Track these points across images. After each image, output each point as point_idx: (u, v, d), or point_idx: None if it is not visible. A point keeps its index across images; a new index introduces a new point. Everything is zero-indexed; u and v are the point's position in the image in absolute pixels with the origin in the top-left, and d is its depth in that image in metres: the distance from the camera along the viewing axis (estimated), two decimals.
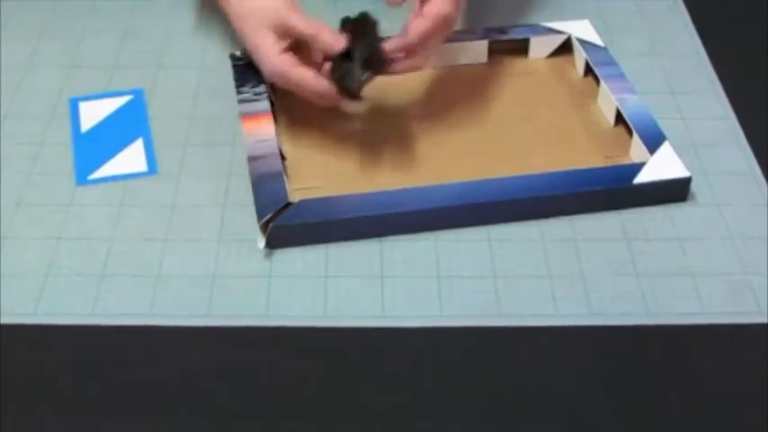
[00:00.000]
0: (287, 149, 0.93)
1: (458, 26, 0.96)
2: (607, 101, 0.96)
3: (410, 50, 0.92)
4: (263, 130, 0.92)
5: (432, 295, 0.82)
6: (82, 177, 0.92)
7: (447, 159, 0.92)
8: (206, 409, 0.74)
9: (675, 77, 1.03)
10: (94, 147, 0.95)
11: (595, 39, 1.03)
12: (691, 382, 0.76)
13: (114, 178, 0.91)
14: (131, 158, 0.93)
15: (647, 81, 1.01)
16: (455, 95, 0.99)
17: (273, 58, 0.91)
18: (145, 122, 0.97)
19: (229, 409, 0.74)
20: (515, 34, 1.04)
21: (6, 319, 0.79)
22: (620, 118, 0.95)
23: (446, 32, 0.94)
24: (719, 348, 0.78)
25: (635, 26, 1.10)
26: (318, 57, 0.93)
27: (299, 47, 0.92)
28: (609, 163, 0.91)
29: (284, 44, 0.91)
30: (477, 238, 0.86)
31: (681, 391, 0.75)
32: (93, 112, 0.98)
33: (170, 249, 0.85)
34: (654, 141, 0.91)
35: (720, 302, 0.81)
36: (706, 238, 0.86)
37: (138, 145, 0.94)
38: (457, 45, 0.97)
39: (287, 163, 0.91)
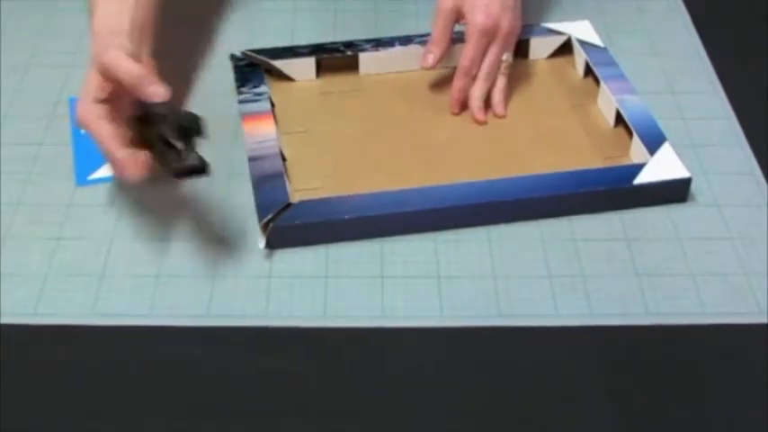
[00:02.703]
0: (287, 150, 0.93)
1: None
2: (607, 101, 0.96)
3: (468, 73, 0.96)
4: (264, 131, 0.92)
5: (432, 295, 0.82)
6: (82, 177, 0.91)
7: (447, 160, 0.92)
8: (206, 409, 0.74)
9: (675, 77, 1.03)
10: (94, 147, 0.94)
11: (595, 39, 1.03)
12: (691, 382, 0.76)
13: (114, 178, 0.91)
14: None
15: (647, 81, 1.01)
16: None
17: (84, 101, 0.82)
18: None
19: (229, 409, 0.74)
20: None
21: (6, 319, 0.79)
22: (620, 119, 0.95)
23: (494, 43, 0.96)
24: (719, 348, 0.78)
25: (635, 26, 1.10)
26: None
27: (115, 101, 0.83)
28: (609, 164, 0.91)
29: (106, 89, 0.82)
30: (477, 239, 0.86)
31: (681, 391, 0.75)
32: None
33: (170, 249, 0.85)
34: (654, 142, 0.90)
35: (720, 302, 0.81)
36: (706, 238, 0.86)
37: None
38: (457, 46, 0.97)
39: (287, 164, 0.91)
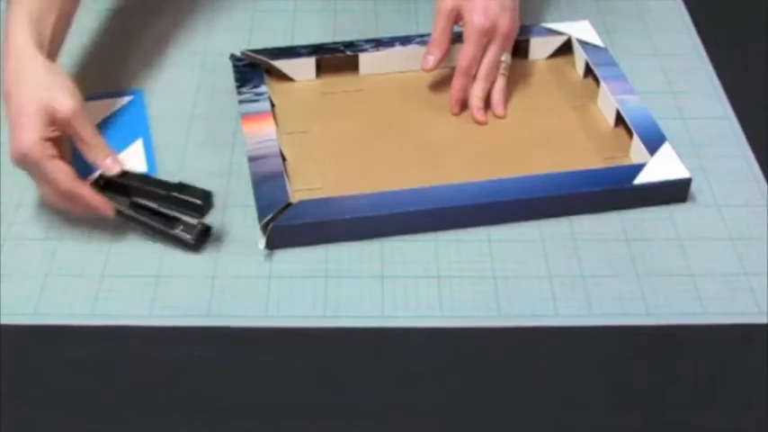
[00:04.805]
0: (287, 150, 0.93)
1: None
2: (607, 102, 0.96)
3: (467, 73, 0.96)
4: (264, 131, 0.92)
5: (432, 295, 0.82)
6: (82, 177, 0.91)
7: (447, 160, 0.92)
8: (206, 409, 0.73)
9: (675, 77, 1.03)
10: None
11: (595, 39, 1.03)
12: (691, 381, 0.76)
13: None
14: (131, 158, 0.93)
15: (647, 81, 1.01)
16: None
17: (31, 140, 0.79)
18: (145, 122, 0.97)
19: (229, 409, 0.74)
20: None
21: (6, 320, 0.79)
22: (620, 119, 0.95)
23: (493, 43, 0.96)
24: (719, 348, 0.78)
25: (635, 26, 1.10)
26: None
27: (57, 142, 0.82)
28: (609, 164, 0.91)
29: (48, 132, 0.81)
30: (477, 239, 0.86)
31: (681, 391, 0.75)
32: (94, 113, 0.98)
33: (170, 249, 0.85)
34: (654, 142, 0.90)
35: (720, 302, 0.81)
36: (706, 239, 0.86)
37: (138, 145, 0.94)
38: (457, 46, 0.97)
39: (287, 164, 0.91)
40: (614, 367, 0.77)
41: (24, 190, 0.90)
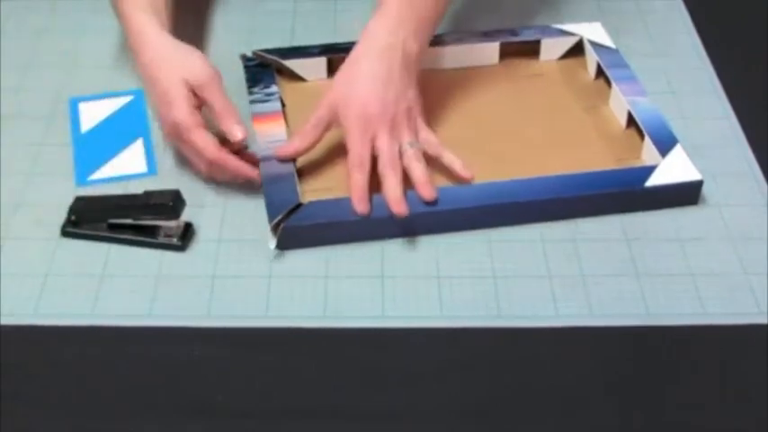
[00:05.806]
0: None
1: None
2: (619, 103, 0.96)
3: (359, 166, 0.86)
4: (275, 131, 0.92)
5: (432, 295, 0.81)
6: (82, 178, 0.91)
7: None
8: (206, 409, 0.73)
9: (676, 78, 1.03)
10: (94, 147, 0.95)
11: (607, 41, 1.02)
12: (691, 381, 0.76)
13: (114, 179, 0.91)
14: (131, 159, 0.93)
15: (647, 81, 1.01)
16: (466, 97, 0.99)
17: (182, 111, 0.85)
18: (145, 123, 0.97)
19: (229, 409, 0.74)
20: (526, 36, 1.03)
21: (6, 320, 0.79)
22: (631, 120, 0.94)
23: (378, 134, 0.87)
24: (719, 348, 0.78)
25: (635, 27, 1.10)
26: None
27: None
28: (620, 165, 0.91)
29: (194, 101, 0.87)
30: (478, 239, 0.86)
31: (681, 391, 0.75)
32: (94, 113, 0.98)
33: (169, 250, 0.85)
34: (665, 144, 0.90)
35: (720, 302, 0.81)
36: (706, 239, 0.86)
37: (138, 145, 0.94)
38: (468, 47, 0.96)
39: (297, 164, 0.91)
40: (614, 367, 0.77)
41: (24, 190, 0.90)
